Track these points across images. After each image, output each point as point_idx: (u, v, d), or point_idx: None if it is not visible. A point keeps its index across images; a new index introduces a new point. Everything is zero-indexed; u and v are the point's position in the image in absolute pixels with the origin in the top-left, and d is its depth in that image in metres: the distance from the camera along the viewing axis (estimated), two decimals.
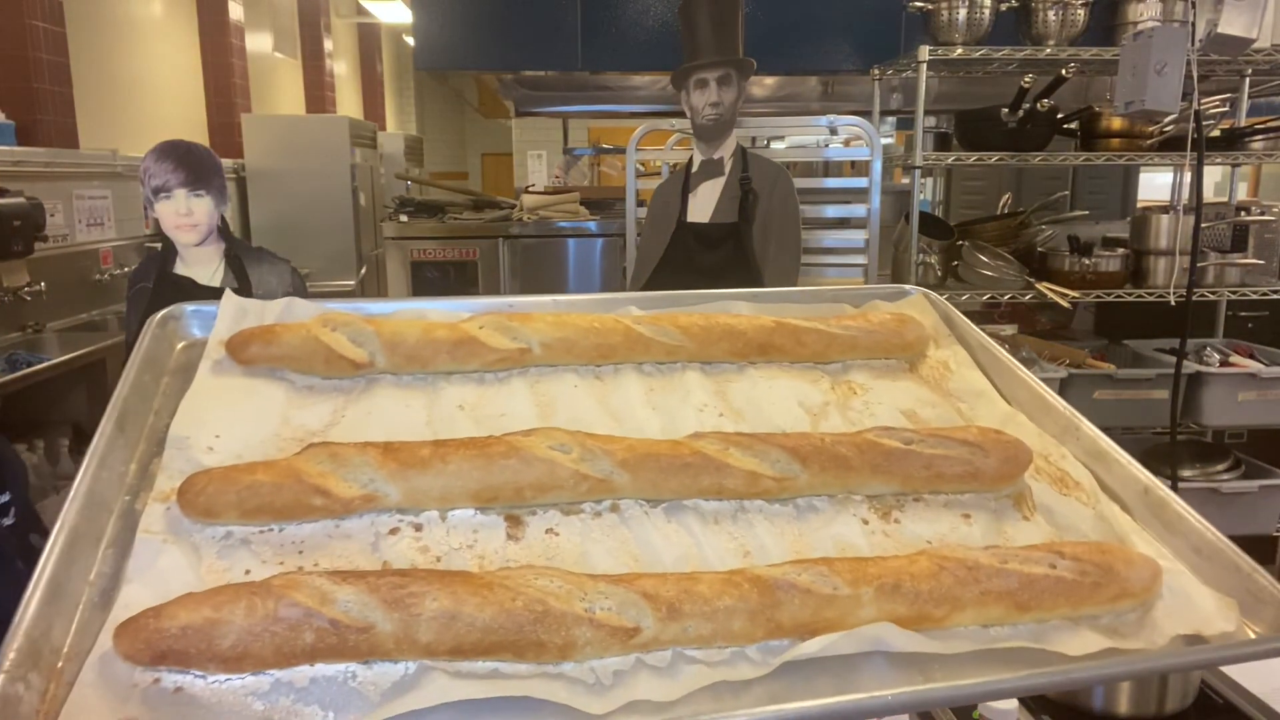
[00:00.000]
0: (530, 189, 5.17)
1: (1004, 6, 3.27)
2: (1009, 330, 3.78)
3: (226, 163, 3.31)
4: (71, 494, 0.81)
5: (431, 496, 0.85)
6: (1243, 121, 3.56)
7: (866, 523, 0.92)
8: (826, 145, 5.40)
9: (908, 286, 1.31)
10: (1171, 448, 2.97)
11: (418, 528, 0.85)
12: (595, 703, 0.68)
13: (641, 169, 3.78)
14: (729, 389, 1.11)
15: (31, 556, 1.19)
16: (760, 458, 0.91)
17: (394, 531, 0.84)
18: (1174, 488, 0.96)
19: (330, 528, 0.83)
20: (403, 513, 0.86)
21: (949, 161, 3.39)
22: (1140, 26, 3.12)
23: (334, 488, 0.82)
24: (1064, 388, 3.23)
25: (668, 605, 0.73)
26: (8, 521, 1.21)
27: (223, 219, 2.40)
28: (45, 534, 1.34)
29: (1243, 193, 6.85)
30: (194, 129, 7.06)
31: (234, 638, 0.67)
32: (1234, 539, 0.87)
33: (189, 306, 1.13)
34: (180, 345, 1.10)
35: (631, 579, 0.76)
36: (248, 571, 0.78)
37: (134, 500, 0.85)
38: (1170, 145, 3.29)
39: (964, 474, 0.94)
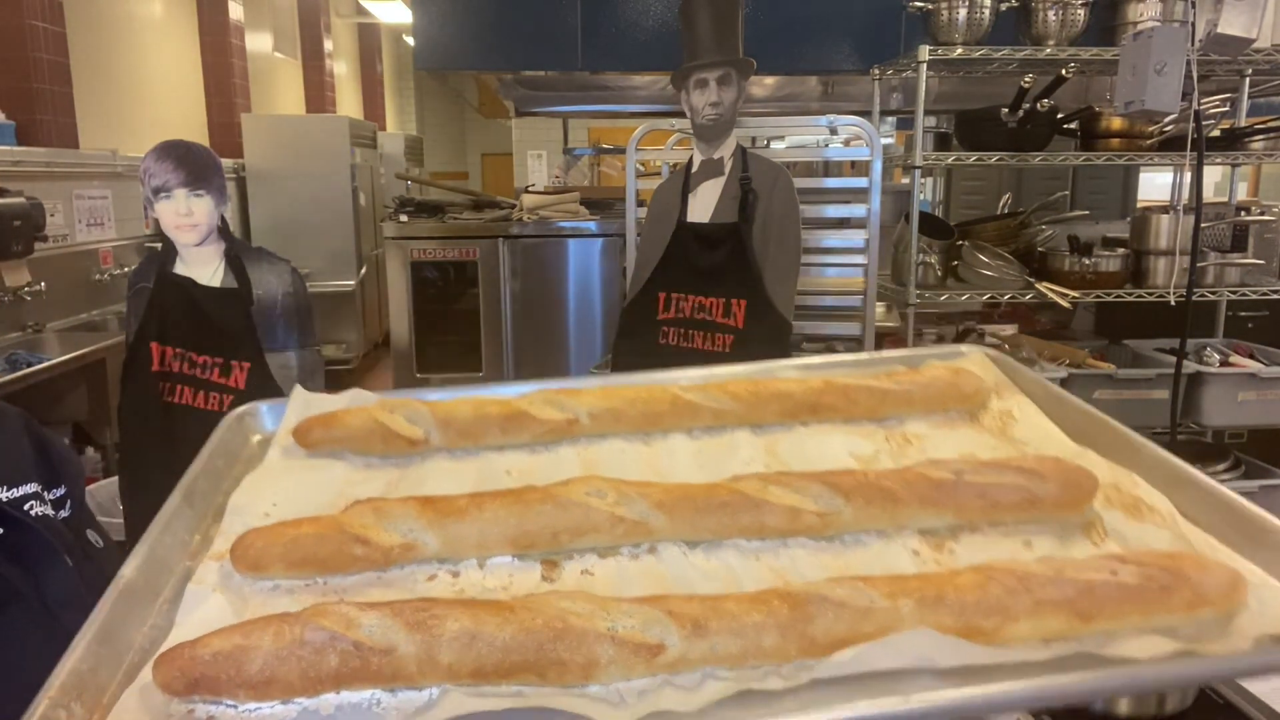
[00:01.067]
0: (530, 189, 5.18)
1: (1004, 6, 3.27)
2: (1009, 330, 3.78)
3: (226, 163, 3.31)
4: (134, 551, 0.84)
5: (469, 544, 0.86)
6: (1243, 121, 3.56)
7: (918, 554, 0.87)
8: (826, 145, 5.42)
9: (963, 347, 1.26)
10: (1171, 448, 2.96)
11: (455, 574, 0.86)
12: (617, 713, 0.67)
13: (641, 169, 3.78)
14: (778, 445, 1.08)
15: (86, 553, 1.23)
16: (800, 493, 0.87)
17: (431, 579, 0.85)
18: None
19: (372, 579, 0.85)
20: (441, 561, 0.87)
21: (949, 161, 3.39)
22: (1140, 26, 3.12)
23: (374, 536, 0.84)
24: (1064, 388, 3.22)
25: (693, 622, 0.71)
26: (64, 514, 1.23)
27: (223, 219, 2.40)
28: (101, 532, 1.35)
29: (1243, 193, 6.86)
30: (194, 129, 7.06)
31: (261, 661, 0.69)
32: None
33: (264, 405, 1.17)
34: (255, 439, 1.14)
35: (656, 599, 0.75)
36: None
37: (194, 564, 0.89)
38: (1170, 145, 3.29)
39: (1021, 501, 0.88)
